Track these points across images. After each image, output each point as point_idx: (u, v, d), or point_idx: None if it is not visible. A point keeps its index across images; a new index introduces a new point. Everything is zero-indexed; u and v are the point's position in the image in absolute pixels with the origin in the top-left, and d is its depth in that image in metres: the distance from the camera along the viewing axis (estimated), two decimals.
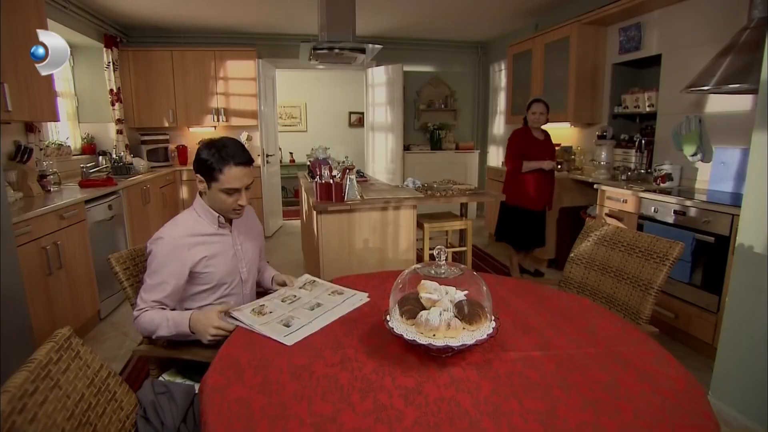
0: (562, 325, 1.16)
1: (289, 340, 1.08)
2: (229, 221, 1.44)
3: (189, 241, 1.32)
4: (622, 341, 1.08)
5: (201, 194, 1.40)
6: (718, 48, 2.32)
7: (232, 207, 1.34)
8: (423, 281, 1.03)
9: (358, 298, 1.33)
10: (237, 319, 1.18)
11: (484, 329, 0.98)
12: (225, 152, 1.28)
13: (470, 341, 0.94)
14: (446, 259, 1.05)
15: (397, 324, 1.00)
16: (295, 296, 1.36)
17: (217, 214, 1.39)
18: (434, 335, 0.94)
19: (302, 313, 1.23)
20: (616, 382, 0.90)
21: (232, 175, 1.29)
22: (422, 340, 0.94)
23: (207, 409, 0.83)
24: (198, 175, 1.34)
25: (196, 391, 1.02)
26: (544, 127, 3.26)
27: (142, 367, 2.20)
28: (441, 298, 0.99)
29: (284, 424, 0.79)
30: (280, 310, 1.26)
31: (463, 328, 0.97)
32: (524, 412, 0.81)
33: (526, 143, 3.15)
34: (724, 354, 1.78)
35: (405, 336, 0.95)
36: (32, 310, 1.96)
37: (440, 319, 0.94)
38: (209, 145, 1.31)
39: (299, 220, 4.90)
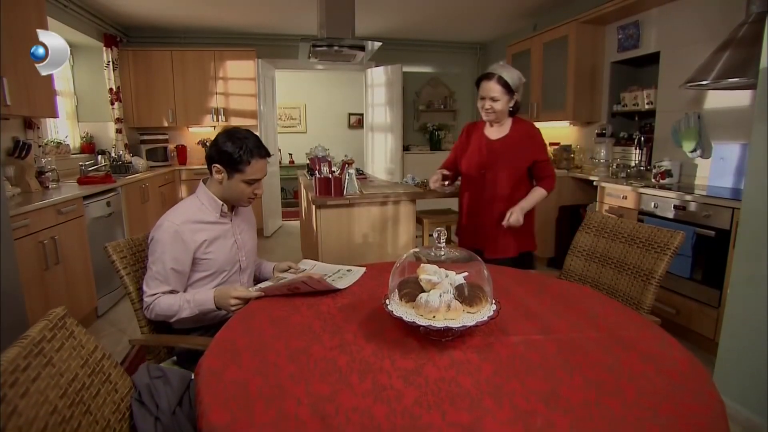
0: (564, 310, 1.15)
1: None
2: (231, 210, 1.46)
3: (191, 227, 1.34)
4: (625, 326, 1.07)
5: (205, 182, 1.43)
6: (716, 44, 2.33)
7: (248, 196, 1.40)
8: (423, 264, 1.02)
9: (358, 273, 1.43)
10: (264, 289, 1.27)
11: (484, 312, 0.97)
12: (252, 144, 1.33)
13: (471, 323, 0.92)
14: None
15: (397, 307, 0.99)
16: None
17: (221, 203, 1.41)
18: (434, 317, 0.92)
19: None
20: (619, 364, 0.89)
21: (257, 167, 1.35)
22: (422, 321, 0.92)
23: (203, 390, 0.82)
24: (217, 165, 1.36)
25: (192, 377, 1.01)
26: (543, 123, 2.47)
27: (139, 363, 2.18)
28: (441, 280, 0.98)
29: (281, 403, 0.77)
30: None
31: (464, 311, 0.96)
32: (526, 392, 0.80)
33: (465, 143, 2.03)
34: (726, 347, 1.77)
35: (404, 318, 0.94)
36: (28, 304, 1.95)
37: (440, 300, 0.93)
38: (231, 137, 1.33)
39: (298, 221, 4.90)
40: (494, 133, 1.96)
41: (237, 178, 1.35)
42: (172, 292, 1.33)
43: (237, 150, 1.31)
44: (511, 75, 1.83)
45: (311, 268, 1.50)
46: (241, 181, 1.35)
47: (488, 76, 1.84)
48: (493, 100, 1.84)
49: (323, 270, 1.46)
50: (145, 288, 1.31)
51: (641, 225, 1.57)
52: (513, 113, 1.95)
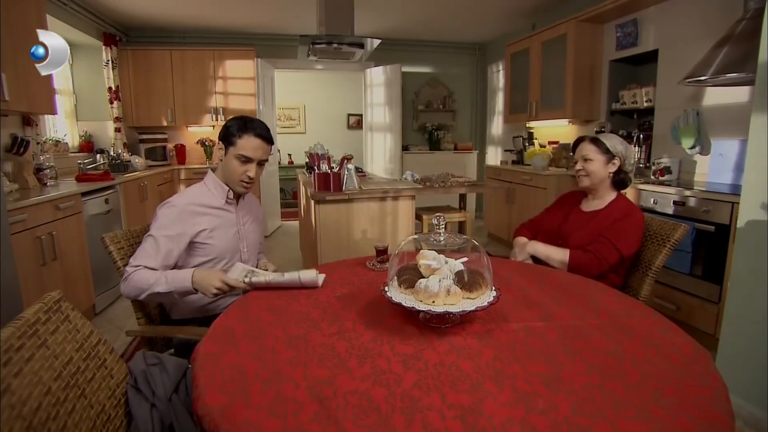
0: (565, 299, 1.14)
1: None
2: (236, 199, 1.46)
3: (193, 209, 1.35)
4: (626, 313, 1.06)
5: (214, 171, 1.46)
6: (714, 41, 2.33)
7: (240, 177, 1.38)
8: (422, 250, 1.01)
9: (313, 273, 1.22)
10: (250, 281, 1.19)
11: (484, 297, 0.96)
12: (250, 124, 1.37)
13: (470, 308, 0.91)
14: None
15: (396, 293, 0.98)
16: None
17: (227, 188, 1.42)
18: (433, 302, 0.91)
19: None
20: (622, 349, 0.88)
21: (250, 143, 1.35)
22: (421, 306, 0.91)
23: (199, 374, 0.81)
24: (219, 142, 1.40)
25: (189, 365, 1.00)
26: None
27: None
28: (440, 266, 0.97)
29: (278, 387, 0.76)
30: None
31: (463, 296, 0.95)
32: (528, 376, 0.79)
33: (555, 210, 1.80)
34: (727, 341, 1.76)
35: (404, 304, 0.93)
36: (26, 300, 1.93)
37: (439, 285, 0.92)
38: (238, 117, 1.40)
39: (297, 221, 4.89)
40: (588, 204, 1.68)
41: (231, 152, 1.36)
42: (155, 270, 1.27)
43: (235, 125, 1.36)
44: (609, 139, 1.63)
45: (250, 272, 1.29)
46: (234, 156, 1.35)
47: (581, 139, 1.66)
48: (585, 159, 1.61)
49: (274, 277, 1.24)
50: (131, 260, 1.27)
51: (652, 218, 1.57)
52: (620, 185, 1.65)
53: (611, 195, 1.65)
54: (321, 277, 1.24)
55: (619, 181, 1.64)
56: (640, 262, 1.50)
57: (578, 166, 1.65)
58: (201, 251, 1.37)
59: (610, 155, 1.61)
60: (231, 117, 1.43)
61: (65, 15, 3.49)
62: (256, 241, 1.55)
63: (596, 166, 1.61)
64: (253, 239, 1.52)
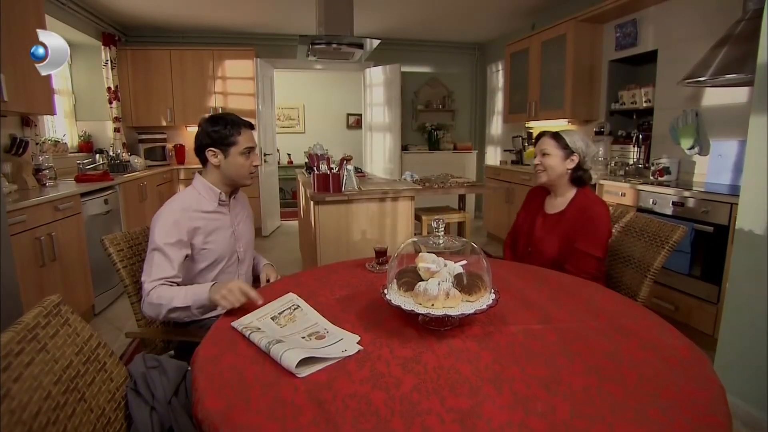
0: (564, 300, 1.15)
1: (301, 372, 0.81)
2: (229, 198, 1.46)
3: (189, 215, 1.34)
4: (624, 315, 1.06)
5: (202, 173, 1.44)
6: (713, 42, 2.33)
7: (249, 170, 1.43)
8: (421, 253, 1.01)
9: (346, 344, 0.91)
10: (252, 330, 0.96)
11: (483, 300, 0.96)
12: (236, 120, 1.40)
13: (470, 311, 0.92)
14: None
15: (395, 296, 0.98)
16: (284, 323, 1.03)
17: (219, 191, 1.42)
18: (433, 305, 0.92)
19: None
20: (620, 351, 0.88)
21: (247, 136, 1.41)
22: (421, 309, 0.91)
23: (199, 376, 0.81)
24: (210, 150, 1.39)
25: (189, 368, 1.00)
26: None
27: None
28: (440, 269, 0.97)
29: (277, 390, 0.77)
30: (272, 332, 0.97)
31: (463, 299, 0.95)
32: (526, 378, 0.79)
33: (526, 211, 1.78)
34: (726, 341, 1.76)
35: (403, 307, 0.93)
36: (24, 301, 1.93)
37: (439, 288, 0.92)
38: (213, 121, 1.39)
39: (296, 221, 4.89)
40: (552, 204, 1.66)
41: (233, 152, 1.39)
42: (172, 283, 1.27)
43: (223, 128, 1.37)
44: (570, 135, 1.60)
45: (292, 308, 1.09)
46: (238, 154, 1.39)
47: (543, 134, 1.65)
48: (544, 154, 1.59)
49: (303, 321, 1.03)
50: (144, 277, 1.26)
51: (651, 219, 1.57)
52: (578, 183, 1.61)
53: (571, 192, 1.61)
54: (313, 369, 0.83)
55: (577, 178, 1.60)
56: (639, 264, 1.50)
57: (536, 161, 1.63)
58: (201, 257, 1.37)
59: (568, 151, 1.58)
60: (205, 122, 1.39)
61: (64, 15, 3.48)
62: (251, 241, 1.55)
63: (554, 161, 1.58)
64: (248, 239, 1.53)
